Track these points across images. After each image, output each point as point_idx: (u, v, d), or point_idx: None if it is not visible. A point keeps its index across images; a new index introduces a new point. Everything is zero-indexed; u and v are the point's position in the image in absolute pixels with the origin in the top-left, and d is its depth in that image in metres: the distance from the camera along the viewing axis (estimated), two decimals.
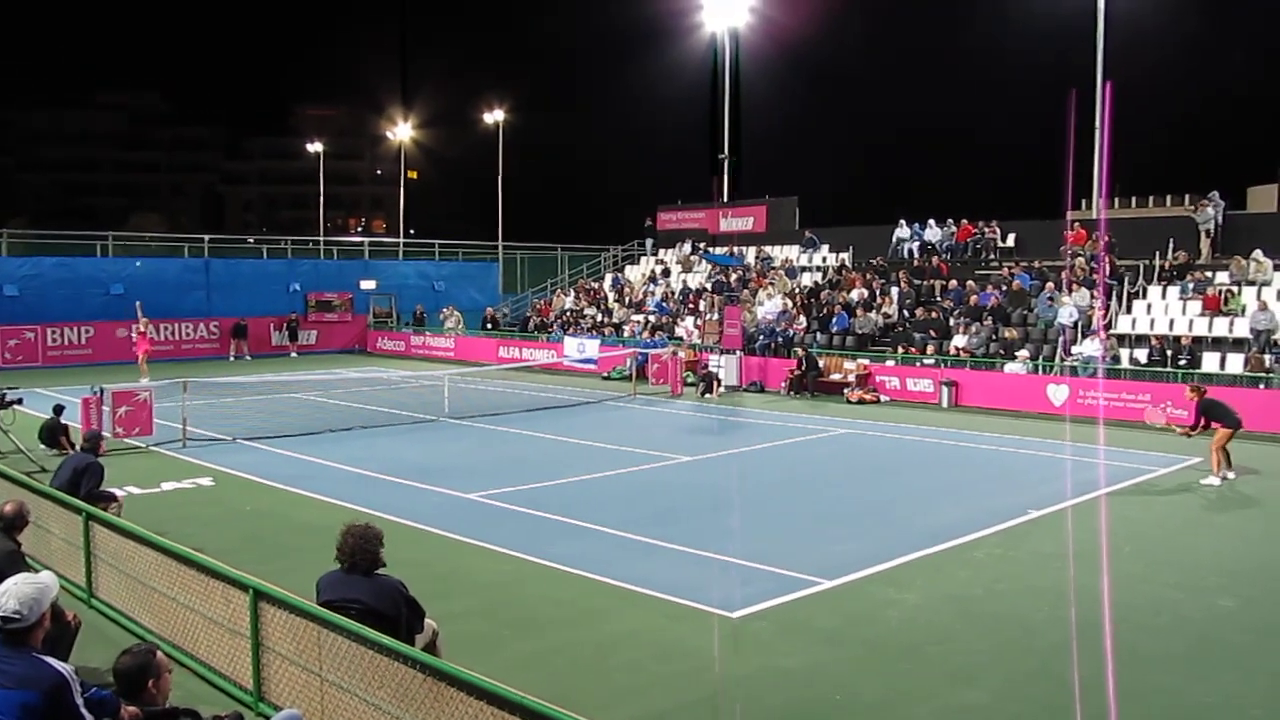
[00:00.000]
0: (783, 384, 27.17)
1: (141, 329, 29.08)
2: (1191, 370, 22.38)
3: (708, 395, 26.32)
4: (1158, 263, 27.71)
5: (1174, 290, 26.22)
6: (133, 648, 4.91)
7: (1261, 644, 8.78)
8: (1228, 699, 7.63)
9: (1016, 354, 25.26)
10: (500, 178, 52.26)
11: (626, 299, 38.74)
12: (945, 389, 24.62)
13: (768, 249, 38.63)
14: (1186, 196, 48.58)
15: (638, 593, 9.92)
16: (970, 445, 19.23)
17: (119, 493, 12.54)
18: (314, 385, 26.66)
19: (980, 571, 10.85)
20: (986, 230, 32.95)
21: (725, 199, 41.43)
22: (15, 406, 16.69)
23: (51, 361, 32.59)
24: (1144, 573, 10.85)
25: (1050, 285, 27.50)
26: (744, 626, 9.01)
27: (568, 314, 38.48)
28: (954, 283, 30.24)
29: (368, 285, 41.60)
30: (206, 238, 41.30)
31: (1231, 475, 16.05)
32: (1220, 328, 24.49)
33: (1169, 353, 23.59)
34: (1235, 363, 22.97)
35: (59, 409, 17.73)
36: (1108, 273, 27.21)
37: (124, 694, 4.81)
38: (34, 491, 10.15)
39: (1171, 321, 25.28)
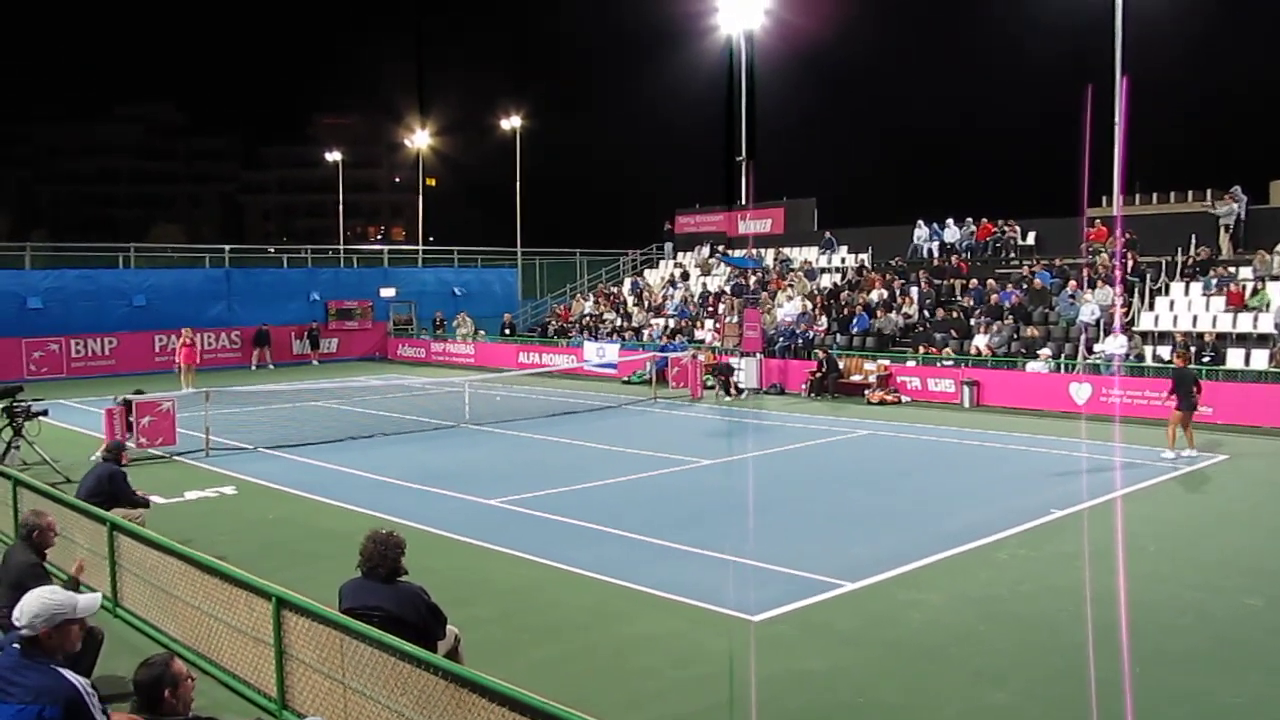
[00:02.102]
0: (803, 386, 27.12)
1: (187, 340, 29.27)
2: (1216, 367, 22.22)
3: (727, 397, 26.41)
4: (1179, 259, 27.52)
5: (1196, 286, 26.04)
6: (150, 659, 4.93)
7: None
8: (1254, 699, 7.56)
9: (1038, 353, 25.12)
10: (518, 184, 52.40)
11: (646, 303, 38.76)
12: (967, 389, 24.51)
13: (786, 251, 38.60)
14: (1208, 192, 48.31)
15: (658, 597, 9.92)
16: (992, 445, 19.14)
17: (158, 499, 12.94)
18: (335, 393, 26.80)
19: (1003, 572, 10.79)
20: (1006, 229, 32.81)
21: (743, 201, 41.37)
22: (40, 418, 16.83)
23: (76, 373, 32.85)
24: (1168, 572, 10.78)
25: (1072, 283, 27.35)
26: (765, 629, 8.99)
27: (587, 319, 38.53)
28: (974, 282, 30.12)
29: (387, 293, 41.76)
30: (227, 248, 41.54)
31: (1189, 452, 17.00)
32: (1244, 323, 24.29)
33: (1192, 349, 23.40)
34: (1260, 359, 22.77)
35: (130, 399, 18.31)
36: (1128, 269, 27.05)
37: (144, 706, 4.84)
38: (59, 502, 10.22)
39: (1195, 318, 25.10)
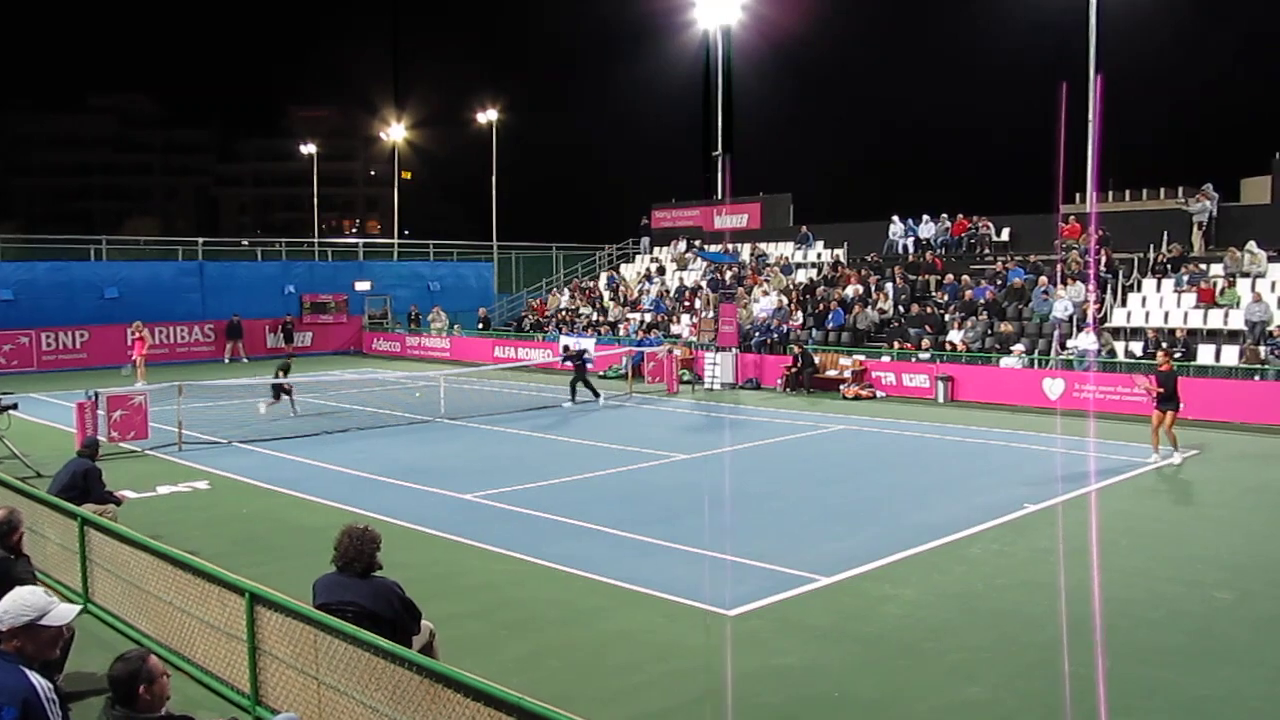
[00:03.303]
0: (779, 381, 27.19)
1: (138, 334, 29.11)
2: (1187, 363, 22.41)
3: (569, 403, 24.28)
4: (1152, 255, 27.74)
5: (1168, 283, 26.25)
6: (125, 654, 4.88)
7: (1260, 637, 8.78)
8: (1226, 692, 7.63)
9: (1012, 348, 25.28)
10: (494, 177, 52.23)
11: (622, 297, 38.74)
12: (941, 384, 24.63)
13: (763, 246, 38.66)
14: (1180, 189, 48.71)
15: (634, 592, 9.91)
16: (966, 440, 19.24)
17: (130, 494, 13.01)
18: (309, 387, 26.63)
19: (977, 567, 10.84)
20: (980, 225, 32.97)
21: (719, 196, 41.37)
22: (10, 411, 16.66)
23: (46, 366, 32.55)
24: (1141, 566, 10.85)
25: (1045, 279, 27.51)
26: (741, 624, 9.00)
27: (563, 313, 38.47)
28: (949, 278, 30.27)
29: (362, 286, 41.61)
30: (200, 240, 41.27)
31: (1158, 457, 16.76)
32: (1215, 320, 24.51)
33: (1164, 345, 23.59)
34: (1230, 355, 23.00)
35: (283, 370, 22.21)
36: (1101, 266, 27.25)
37: (119, 701, 4.79)
38: (29, 497, 10.12)
39: (1166, 314, 25.30)
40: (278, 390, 22.32)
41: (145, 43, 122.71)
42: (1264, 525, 12.96)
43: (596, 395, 24.52)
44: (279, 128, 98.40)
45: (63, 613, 5.05)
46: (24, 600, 4.95)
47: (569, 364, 24.94)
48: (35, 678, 4.73)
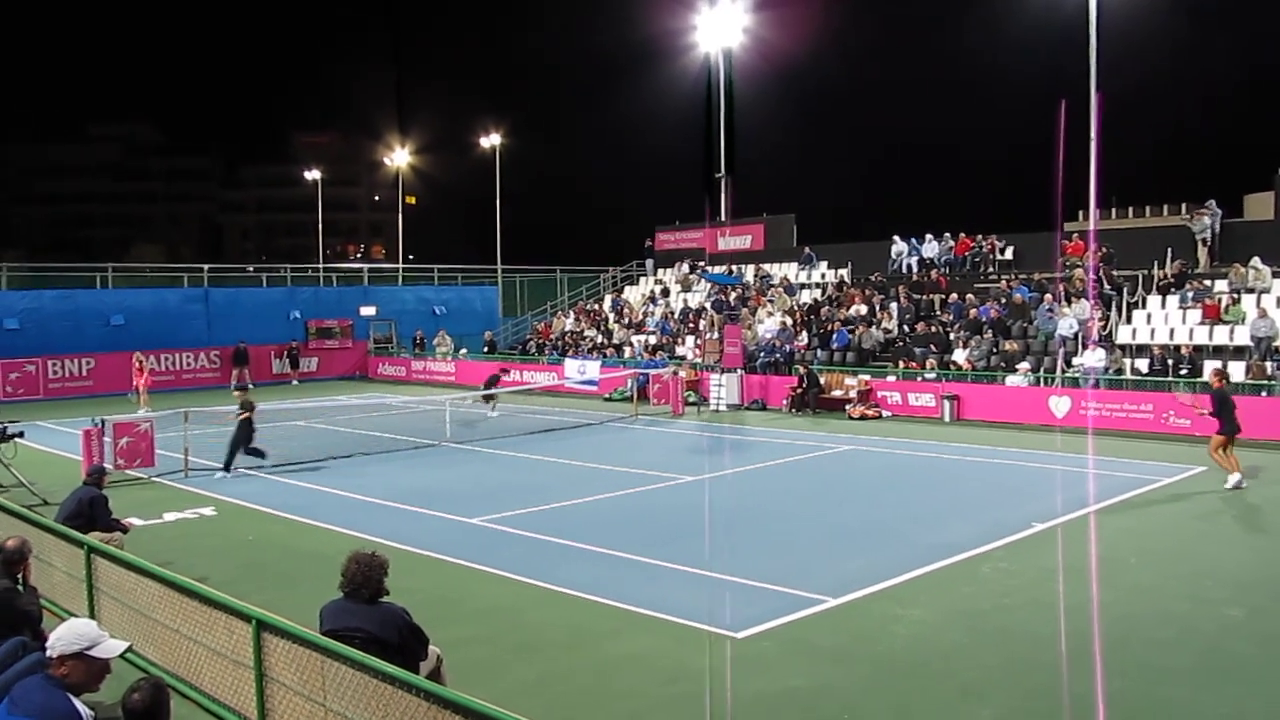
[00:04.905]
0: (784, 401, 27.16)
1: (137, 365, 29.20)
2: (1193, 379, 22.37)
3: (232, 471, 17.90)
4: (1156, 272, 27.75)
5: (1173, 300, 26.24)
6: (139, 684, 4.88)
7: (1269, 654, 8.72)
8: (1236, 711, 7.58)
9: (1017, 367, 25.25)
10: (498, 201, 52.42)
11: (626, 320, 38.78)
12: (947, 403, 24.60)
13: (766, 267, 38.72)
14: (1183, 205, 48.78)
15: (642, 615, 9.87)
16: (973, 459, 19.20)
17: (136, 521, 13.01)
18: (315, 413, 26.65)
19: (986, 586, 10.80)
20: (984, 244, 33.02)
21: (723, 218, 41.51)
22: (17, 440, 16.67)
23: (53, 394, 32.58)
24: (1150, 584, 10.81)
25: (1049, 297, 27.53)
26: (749, 647, 8.96)
27: (568, 336, 38.51)
28: (953, 297, 30.28)
29: (368, 311, 41.68)
30: (205, 267, 41.44)
31: (1235, 476, 16.09)
32: (1221, 336, 24.49)
33: (1170, 362, 23.58)
34: (1236, 371, 22.91)
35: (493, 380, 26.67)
36: (1105, 283, 27.26)
37: None
38: (36, 525, 10.12)
39: (1172, 331, 25.29)
40: (489, 397, 26.98)
41: (147, 71, 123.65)
42: (1272, 541, 12.92)
43: (226, 467, 18.12)
44: (282, 154, 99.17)
45: (112, 646, 5.24)
46: (78, 630, 5.15)
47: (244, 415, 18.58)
48: (79, 705, 4.91)
